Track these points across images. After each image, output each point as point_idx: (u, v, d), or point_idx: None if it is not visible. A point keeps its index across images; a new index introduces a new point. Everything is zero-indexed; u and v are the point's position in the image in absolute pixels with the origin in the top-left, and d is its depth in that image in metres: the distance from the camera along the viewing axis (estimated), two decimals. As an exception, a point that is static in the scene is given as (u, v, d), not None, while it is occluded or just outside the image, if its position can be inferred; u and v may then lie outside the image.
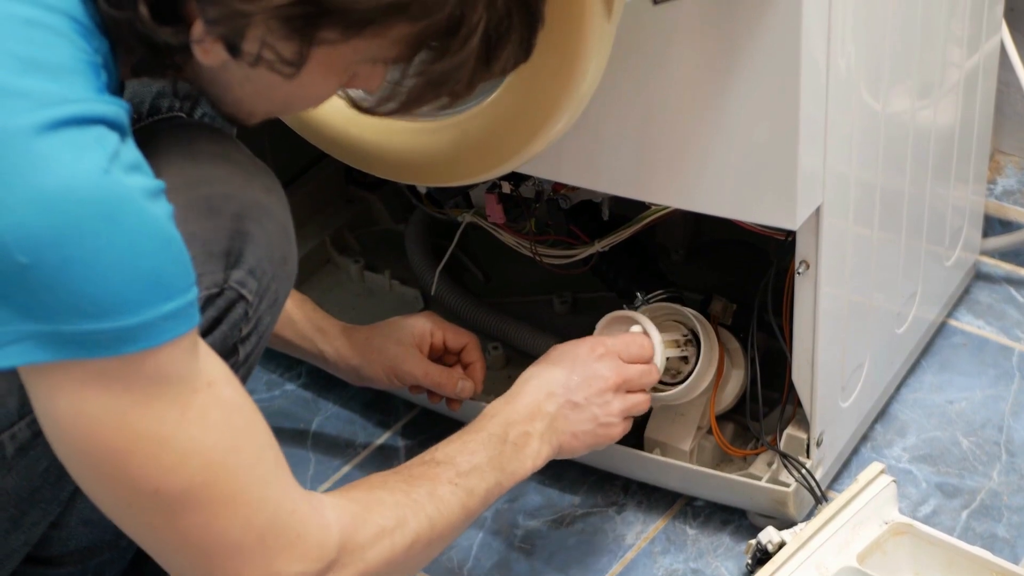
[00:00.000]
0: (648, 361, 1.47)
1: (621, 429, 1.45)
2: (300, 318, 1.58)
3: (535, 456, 1.38)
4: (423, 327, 1.58)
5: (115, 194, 0.96)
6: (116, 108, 0.99)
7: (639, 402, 1.46)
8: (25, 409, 1.13)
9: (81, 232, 0.94)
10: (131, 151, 0.99)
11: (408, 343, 1.57)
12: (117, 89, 1.07)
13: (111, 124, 0.98)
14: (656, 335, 1.48)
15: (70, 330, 0.96)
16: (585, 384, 1.42)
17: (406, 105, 1.13)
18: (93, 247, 0.95)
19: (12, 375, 1.11)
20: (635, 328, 1.48)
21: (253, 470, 1.09)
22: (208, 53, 1.05)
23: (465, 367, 1.60)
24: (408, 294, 1.87)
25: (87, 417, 1.01)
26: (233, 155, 1.20)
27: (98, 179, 0.95)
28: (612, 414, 1.43)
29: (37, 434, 1.14)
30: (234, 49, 1.04)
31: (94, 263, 0.95)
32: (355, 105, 1.17)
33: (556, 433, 1.40)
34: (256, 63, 1.04)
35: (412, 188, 1.77)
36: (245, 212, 1.16)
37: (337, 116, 1.45)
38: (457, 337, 1.59)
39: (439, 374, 1.57)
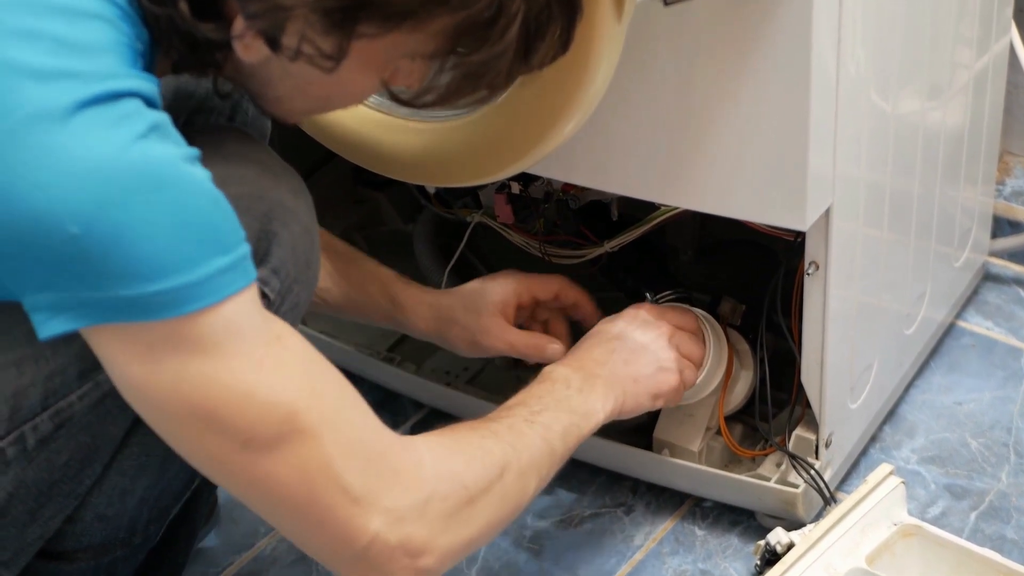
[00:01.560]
0: (693, 331, 1.50)
1: (678, 380, 1.45)
2: (375, 291, 1.57)
3: (603, 398, 1.38)
4: (505, 294, 1.55)
5: (155, 159, 0.98)
6: (150, 84, 1.01)
7: (689, 366, 1.47)
8: (48, 401, 1.14)
9: (127, 198, 0.97)
10: (165, 121, 1.01)
11: (491, 313, 1.55)
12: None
13: (145, 98, 1.00)
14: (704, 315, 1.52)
15: (130, 295, 0.98)
16: (641, 329, 1.45)
17: (444, 98, 1.13)
18: (141, 211, 0.97)
19: (36, 366, 1.12)
20: None
21: (340, 413, 1.10)
22: (249, 49, 1.06)
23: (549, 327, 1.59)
24: (417, 294, 1.86)
25: (164, 380, 1.03)
26: (262, 157, 1.21)
27: (137, 147, 0.97)
28: (670, 359, 1.45)
29: (59, 426, 1.15)
30: (274, 44, 1.05)
31: (144, 226, 0.97)
32: (394, 97, 1.16)
33: (618, 379, 1.40)
34: (296, 57, 1.05)
35: (421, 188, 1.77)
36: (272, 213, 1.16)
37: (346, 116, 1.45)
38: (546, 287, 1.57)
39: (524, 345, 1.55)
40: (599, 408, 1.37)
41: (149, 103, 1.01)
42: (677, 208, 1.51)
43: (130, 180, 0.97)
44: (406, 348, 1.84)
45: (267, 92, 1.13)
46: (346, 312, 1.59)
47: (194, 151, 1.02)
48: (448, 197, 1.75)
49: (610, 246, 1.62)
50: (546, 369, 1.39)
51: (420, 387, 1.76)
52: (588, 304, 1.58)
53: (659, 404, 1.46)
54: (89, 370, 1.14)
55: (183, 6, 1.03)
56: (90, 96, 0.97)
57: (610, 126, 1.40)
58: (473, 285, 1.58)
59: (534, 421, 1.30)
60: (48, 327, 1.01)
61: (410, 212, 1.95)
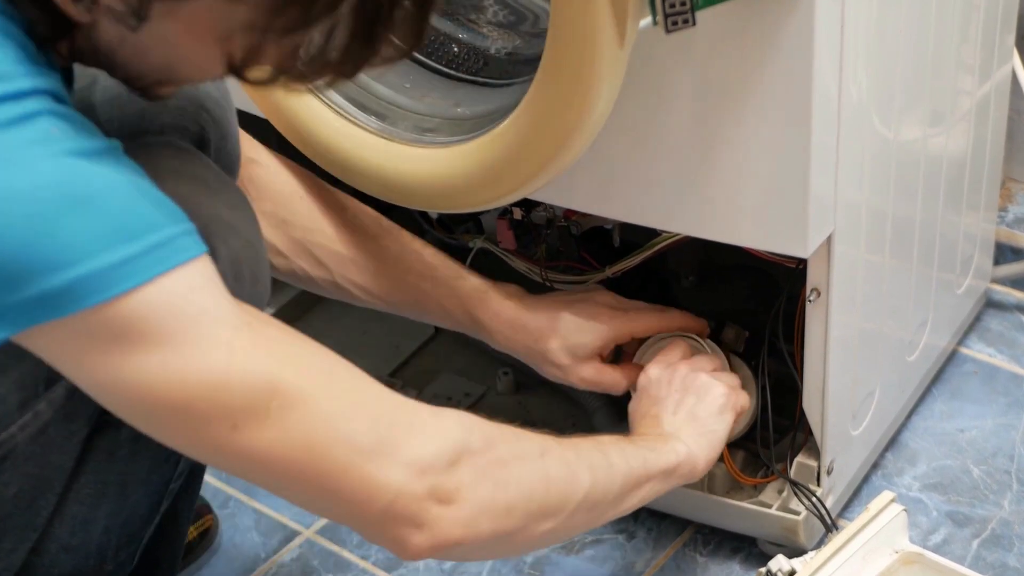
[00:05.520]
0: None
1: (724, 390, 1.46)
2: (456, 310, 1.52)
3: (670, 440, 1.37)
4: (605, 339, 1.51)
5: (56, 165, 0.96)
6: (46, 80, 0.98)
7: (741, 392, 1.48)
8: None
9: (25, 203, 0.94)
10: (67, 114, 0.98)
11: (589, 356, 1.51)
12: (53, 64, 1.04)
13: (50, 93, 0.98)
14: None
15: (43, 290, 0.95)
16: (660, 382, 1.45)
17: (279, 75, 1.06)
18: (39, 209, 0.94)
19: None
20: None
21: (335, 378, 1.07)
22: (67, 4, 1.00)
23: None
24: (418, 319, 1.86)
25: (128, 379, 0.99)
26: (197, 172, 1.17)
27: (35, 153, 0.95)
28: (722, 393, 1.45)
29: (3, 459, 1.14)
30: None
31: (43, 223, 0.94)
32: (231, 69, 1.07)
33: (675, 428, 1.40)
34: (106, 13, 1.00)
35: (423, 214, 1.77)
36: (208, 229, 1.11)
37: (347, 142, 1.46)
38: (647, 327, 1.54)
39: (610, 382, 1.53)
40: (667, 449, 1.36)
41: (56, 98, 0.98)
42: (678, 234, 1.51)
43: (31, 188, 0.94)
44: (408, 373, 1.84)
45: (113, 60, 1.06)
46: (416, 318, 1.58)
47: (107, 143, 0.99)
48: (450, 223, 1.75)
49: (612, 272, 1.62)
50: None
51: (421, 412, 1.75)
52: (694, 326, 1.55)
53: (725, 422, 1.46)
54: (29, 399, 1.13)
55: None
56: None
57: (612, 152, 1.40)
58: (570, 324, 1.51)
59: (588, 439, 1.27)
60: None
61: (412, 237, 1.95)
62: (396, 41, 1.05)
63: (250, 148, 1.46)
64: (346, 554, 1.65)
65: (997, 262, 1.94)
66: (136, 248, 0.97)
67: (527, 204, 1.60)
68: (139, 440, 1.22)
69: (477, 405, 1.77)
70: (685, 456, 1.37)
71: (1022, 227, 1.99)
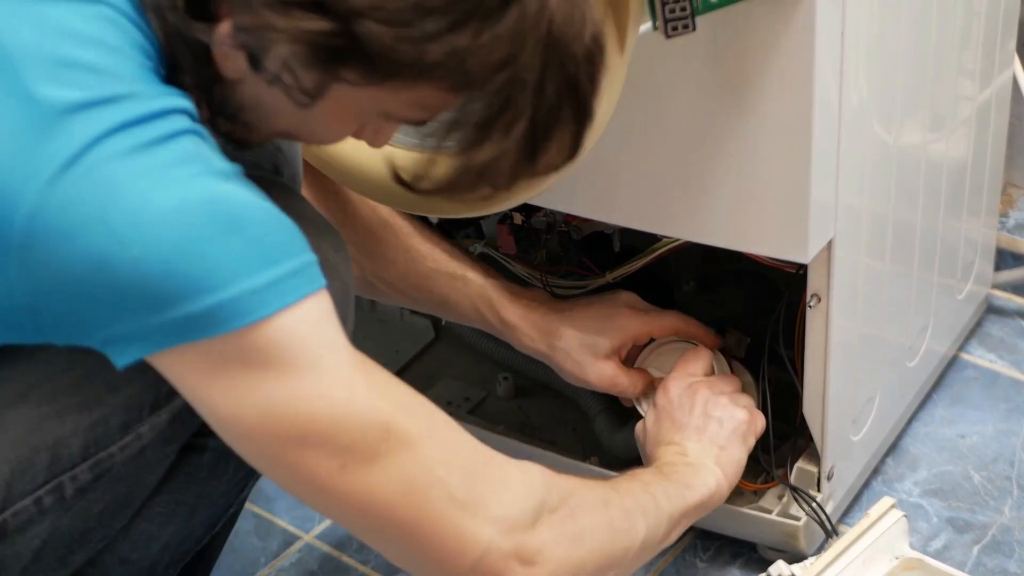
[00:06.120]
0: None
1: (746, 416, 1.46)
2: (487, 310, 1.55)
3: (699, 473, 1.39)
4: (624, 339, 1.53)
5: (202, 186, 0.97)
6: (180, 99, 1.00)
7: (758, 414, 1.49)
8: (89, 452, 1.13)
9: (176, 222, 0.95)
10: (203, 142, 0.99)
11: (609, 356, 1.53)
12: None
13: (187, 112, 0.99)
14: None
15: (188, 312, 0.96)
16: (681, 406, 1.46)
17: (441, 190, 1.10)
18: (188, 231, 0.96)
19: (78, 416, 1.11)
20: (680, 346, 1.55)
21: (435, 427, 1.09)
22: (227, 59, 1.02)
23: None
24: (419, 324, 1.86)
25: (250, 404, 1.01)
26: (306, 212, 1.19)
27: (184, 176, 0.97)
28: (724, 406, 1.46)
29: (98, 477, 1.14)
30: (255, 62, 1.01)
31: (192, 244, 0.96)
32: (398, 178, 1.15)
33: (701, 456, 1.41)
34: (273, 83, 1.02)
35: (423, 218, 1.77)
36: None
37: (346, 146, 1.45)
38: (664, 327, 1.56)
39: (627, 384, 1.54)
40: (700, 483, 1.38)
41: (192, 118, 1.00)
42: (679, 240, 1.51)
43: (180, 209, 0.96)
44: (408, 378, 1.81)
45: (241, 115, 1.08)
46: (439, 315, 1.62)
47: (236, 166, 1.00)
48: (450, 228, 1.75)
49: (612, 277, 1.62)
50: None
51: (421, 417, 1.75)
52: (707, 338, 1.57)
53: (749, 447, 1.48)
54: (132, 422, 1.14)
55: (180, 1, 1.01)
56: (132, 118, 0.96)
57: (612, 158, 1.40)
58: (590, 321, 1.54)
59: (633, 478, 1.31)
60: (122, 357, 0.99)
61: (413, 242, 1.94)
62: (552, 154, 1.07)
63: None
64: (345, 559, 1.65)
65: (998, 268, 1.94)
66: (276, 274, 0.98)
67: (527, 209, 1.60)
68: (218, 465, 1.24)
69: (477, 410, 1.77)
70: (715, 487, 1.40)
71: (1023, 233, 1.99)
